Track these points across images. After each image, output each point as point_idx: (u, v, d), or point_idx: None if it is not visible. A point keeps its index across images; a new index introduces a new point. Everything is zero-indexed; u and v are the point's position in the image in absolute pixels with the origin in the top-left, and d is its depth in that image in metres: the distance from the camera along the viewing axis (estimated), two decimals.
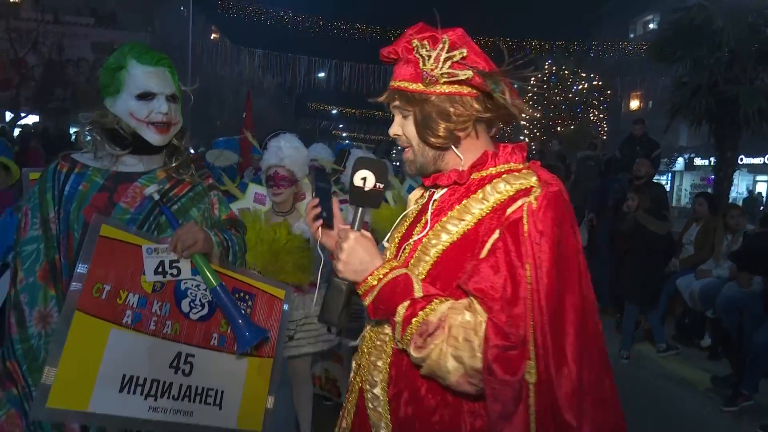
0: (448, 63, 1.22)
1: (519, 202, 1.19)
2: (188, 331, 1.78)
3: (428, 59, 1.23)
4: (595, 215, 7.48)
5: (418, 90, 1.25)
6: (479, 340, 1.12)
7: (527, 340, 1.11)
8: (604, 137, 21.75)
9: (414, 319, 1.17)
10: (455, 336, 1.14)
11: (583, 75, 23.61)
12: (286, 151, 2.99)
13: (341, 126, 46.12)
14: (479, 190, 1.26)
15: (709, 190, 8.77)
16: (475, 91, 1.25)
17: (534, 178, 1.23)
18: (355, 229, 1.30)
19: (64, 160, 1.84)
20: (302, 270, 2.92)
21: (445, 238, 1.25)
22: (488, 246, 1.19)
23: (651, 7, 28.68)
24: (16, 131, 14.41)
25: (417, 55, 1.25)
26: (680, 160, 28.06)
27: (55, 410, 1.55)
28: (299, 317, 3.00)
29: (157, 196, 1.82)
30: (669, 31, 8.56)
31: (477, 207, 1.24)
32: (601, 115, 24.03)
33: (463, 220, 1.25)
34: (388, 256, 1.38)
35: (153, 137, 1.81)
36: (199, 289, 1.81)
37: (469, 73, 1.21)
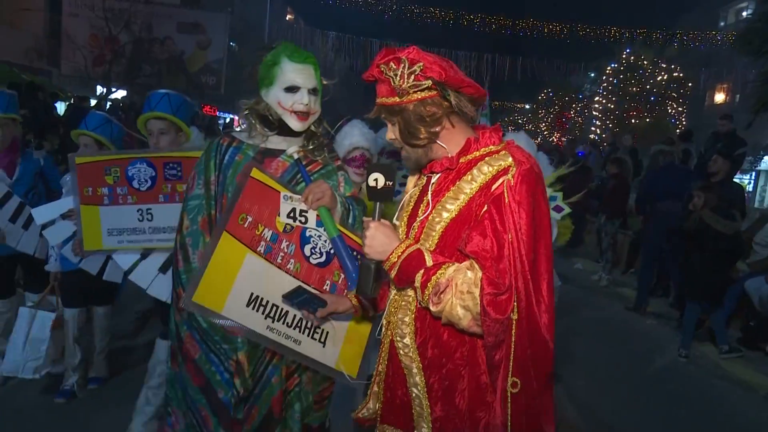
0: (412, 76, 1.49)
1: (500, 180, 1.48)
2: (307, 272, 2.08)
3: (396, 77, 1.51)
4: (644, 216, 7.33)
5: (395, 102, 1.54)
6: (479, 291, 1.42)
7: (512, 287, 1.41)
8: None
9: (429, 283, 1.48)
10: (461, 290, 1.45)
11: (663, 65, 22.47)
12: (370, 135, 3.21)
13: None
14: (468, 173, 1.54)
15: None
16: (439, 92, 1.52)
17: (510, 159, 1.50)
18: (375, 219, 1.60)
19: (225, 137, 2.25)
20: None
21: (446, 216, 1.54)
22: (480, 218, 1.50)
23: None
24: (108, 104, 15.49)
25: (386, 76, 1.53)
26: (766, 158, 26.27)
27: (198, 305, 1.92)
28: None
29: (296, 156, 2.18)
30: (758, 22, 8.14)
31: (468, 187, 1.52)
32: (680, 108, 22.82)
33: (457, 199, 1.53)
34: (399, 233, 1.66)
35: (294, 124, 2.15)
36: (320, 239, 2.11)
37: (428, 82, 1.49)
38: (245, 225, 1.99)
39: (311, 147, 2.24)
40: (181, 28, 22.16)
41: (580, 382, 4.60)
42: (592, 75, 28.72)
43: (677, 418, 4.20)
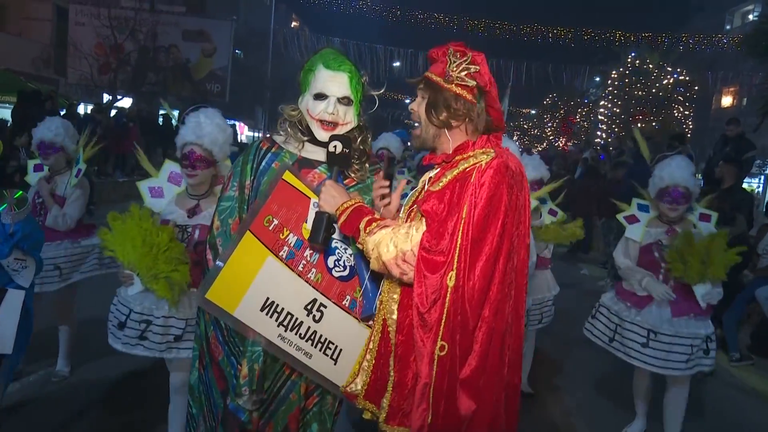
0: (465, 72, 1.67)
1: (474, 166, 1.64)
2: (327, 284, 1.99)
3: (453, 63, 1.69)
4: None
5: (438, 82, 1.71)
6: (415, 235, 1.61)
7: (451, 254, 1.55)
8: (688, 134, 20.56)
9: (374, 222, 1.70)
10: (398, 229, 1.65)
11: (669, 69, 22.33)
12: (206, 129, 2.72)
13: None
14: (458, 164, 1.69)
15: None
16: (474, 99, 1.69)
17: (492, 154, 1.65)
18: (333, 180, 1.89)
19: (266, 140, 2.18)
20: (170, 287, 2.62)
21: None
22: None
23: None
24: (112, 112, 15.54)
25: (448, 59, 1.70)
26: None
27: (211, 303, 1.86)
28: (191, 315, 2.73)
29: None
30: (765, 24, 8.07)
31: (451, 174, 1.68)
32: (687, 112, 22.64)
33: (441, 182, 1.69)
34: (400, 219, 1.81)
35: (319, 133, 2.06)
36: (346, 252, 2.02)
37: (473, 83, 1.67)
38: (270, 227, 1.92)
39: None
40: (186, 35, 22.26)
41: (579, 393, 4.53)
42: (597, 79, 28.64)
43: (689, 427, 4.10)
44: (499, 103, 1.72)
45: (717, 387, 4.97)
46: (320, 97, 2.03)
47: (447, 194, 1.62)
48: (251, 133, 32.43)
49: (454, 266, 1.55)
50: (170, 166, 3.00)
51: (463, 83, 1.67)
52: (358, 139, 2.12)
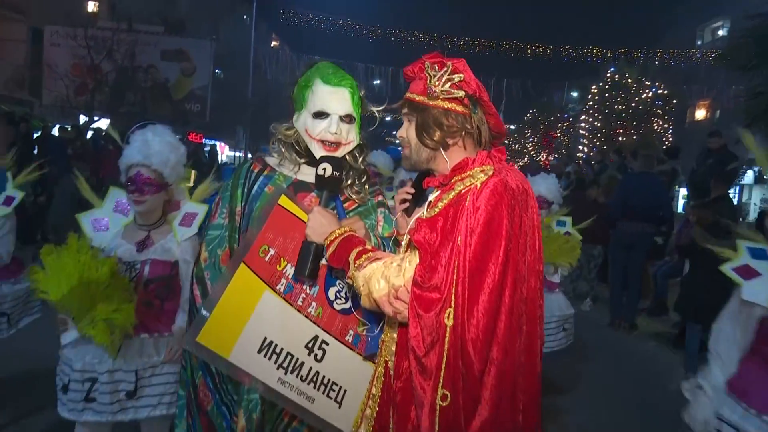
0: (449, 83, 1.52)
1: (469, 188, 1.47)
2: (329, 318, 1.82)
3: (434, 77, 1.53)
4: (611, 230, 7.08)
5: (422, 101, 1.56)
6: (408, 269, 1.46)
7: (447, 289, 1.38)
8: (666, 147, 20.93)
9: (364, 255, 1.55)
10: (390, 263, 1.51)
11: (647, 83, 22.85)
12: (155, 147, 2.41)
13: (394, 133, 46.62)
14: (455, 186, 1.55)
15: None
16: (467, 110, 1.54)
17: (491, 173, 1.48)
18: (321, 206, 1.76)
19: (257, 162, 1.99)
20: (109, 332, 2.20)
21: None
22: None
23: (721, 13, 27.39)
24: (89, 134, 15.23)
25: (426, 74, 1.55)
26: (749, 173, 26.47)
27: (202, 347, 1.66)
28: (142, 366, 2.39)
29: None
30: (745, 38, 8.21)
31: (447, 198, 1.53)
32: (666, 125, 23.12)
33: (436, 208, 1.53)
34: (402, 246, 1.68)
35: (320, 154, 1.88)
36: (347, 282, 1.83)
37: (461, 93, 1.52)
38: (266, 258, 1.74)
39: (349, 182, 1.96)
40: (165, 55, 22.01)
41: (580, 412, 4.42)
42: (575, 95, 29.11)
43: None
44: (494, 108, 1.58)
45: None
46: (321, 115, 1.86)
47: (440, 221, 1.46)
48: (232, 153, 32.18)
49: (452, 303, 1.37)
50: (116, 194, 2.64)
51: (450, 96, 1.52)
52: (359, 159, 1.97)
